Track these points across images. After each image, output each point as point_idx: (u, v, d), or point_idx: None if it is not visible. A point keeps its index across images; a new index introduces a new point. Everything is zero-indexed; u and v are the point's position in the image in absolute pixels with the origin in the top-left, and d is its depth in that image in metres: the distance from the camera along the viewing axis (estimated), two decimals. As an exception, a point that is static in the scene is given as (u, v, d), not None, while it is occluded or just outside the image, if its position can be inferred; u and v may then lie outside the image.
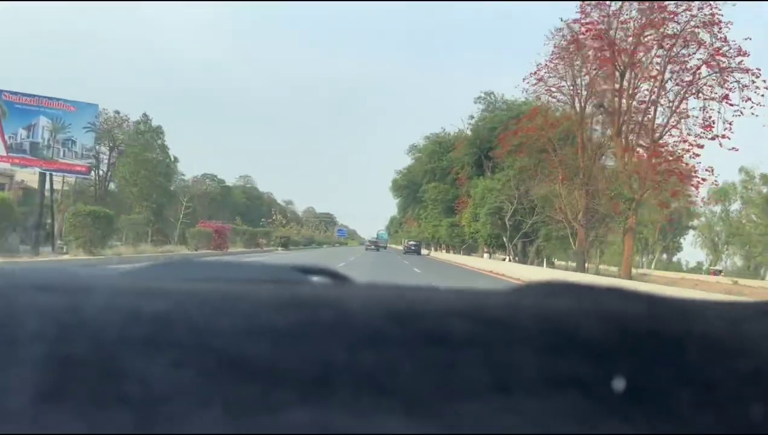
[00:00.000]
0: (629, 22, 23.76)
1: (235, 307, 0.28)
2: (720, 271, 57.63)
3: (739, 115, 22.16)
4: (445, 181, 48.30)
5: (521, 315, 0.29)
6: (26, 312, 0.27)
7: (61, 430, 0.23)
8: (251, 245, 31.97)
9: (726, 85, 22.39)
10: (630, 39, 23.79)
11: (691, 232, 65.31)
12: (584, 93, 25.74)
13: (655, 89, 23.76)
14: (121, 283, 0.33)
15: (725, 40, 22.00)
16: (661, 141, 23.91)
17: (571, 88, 26.23)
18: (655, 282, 22.45)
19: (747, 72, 21.91)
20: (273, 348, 0.26)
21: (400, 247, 77.36)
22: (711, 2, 21.87)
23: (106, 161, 37.98)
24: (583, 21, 24.61)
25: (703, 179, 23.39)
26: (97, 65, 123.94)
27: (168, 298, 0.29)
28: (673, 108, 23.62)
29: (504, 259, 32.52)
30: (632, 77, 24.10)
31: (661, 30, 22.79)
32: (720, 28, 22.02)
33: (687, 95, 23.17)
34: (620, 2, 22.29)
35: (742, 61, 22.03)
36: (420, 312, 0.29)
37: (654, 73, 23.68)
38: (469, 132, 43.92)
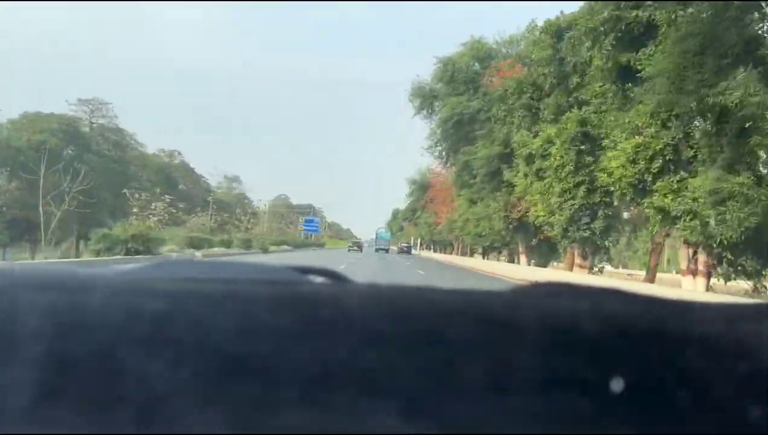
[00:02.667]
0: None
1: (235, 306, 0.28)
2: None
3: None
4: None
5: (521, 315, 0.29)
6: (26, 311, 0.27)
7: (61, 429, 0.23)
8: None
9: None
10: None
11: None
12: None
13: None
14: (121, 282, 0.33)
15: None
16: None
17: None
18: None
19: None
20: (272, 347, 0.26)
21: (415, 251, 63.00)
22: None
23: None
24: None
25: None
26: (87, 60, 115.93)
27: (168, 298, 0.29)
28: None
29: None
30: None
31: None
32: None
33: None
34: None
35: None
36: (420, 312, 0.29)
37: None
38: None
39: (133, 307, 0.28)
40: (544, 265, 25.61)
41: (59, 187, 27.78)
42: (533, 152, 20.22)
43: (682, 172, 13.76)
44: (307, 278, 0.41)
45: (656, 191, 13.75)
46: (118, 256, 15.38)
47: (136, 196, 30.00)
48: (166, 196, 31.82)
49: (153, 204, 29.87)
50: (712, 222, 11.83)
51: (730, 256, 13.61)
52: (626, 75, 15.43)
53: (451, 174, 33.92)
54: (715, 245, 12.43)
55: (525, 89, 22.00)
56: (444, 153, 32.62)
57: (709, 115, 12.52)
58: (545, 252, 25.20)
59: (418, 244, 72.28)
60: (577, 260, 20.57)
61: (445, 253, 48.90)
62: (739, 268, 13.91)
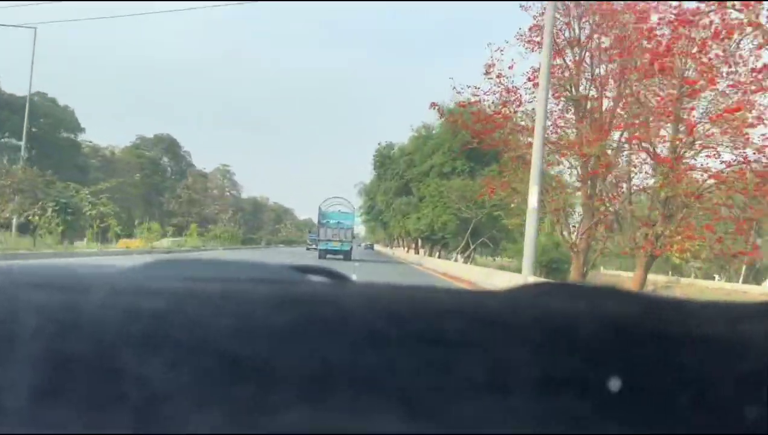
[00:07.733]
0: None
1: (234, 306, 0.28)
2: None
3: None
4: None
5: (519, 315, 0.29)
6: (24, 310, 0.27)
7: (59, 429, 0.23)
8: None
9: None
10: None
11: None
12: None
13: None
14: (120, 282, 0.33)
15: None
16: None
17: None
18: None
19: None
20: (271, 347, 0.26)
21: (391, 250, 50.99)
22: None
23: None
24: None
25: None
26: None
27: (167, 297, 0.29)
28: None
29: None
30: None
31: None
32: None
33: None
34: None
35: None
36: (418, 311, 0.29)
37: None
38: None
39: (132, 306, 0.28)
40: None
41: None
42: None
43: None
44: (306, 278, 0.41)
45: None
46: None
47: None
48: None
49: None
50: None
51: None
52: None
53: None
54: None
55: None
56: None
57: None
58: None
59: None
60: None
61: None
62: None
